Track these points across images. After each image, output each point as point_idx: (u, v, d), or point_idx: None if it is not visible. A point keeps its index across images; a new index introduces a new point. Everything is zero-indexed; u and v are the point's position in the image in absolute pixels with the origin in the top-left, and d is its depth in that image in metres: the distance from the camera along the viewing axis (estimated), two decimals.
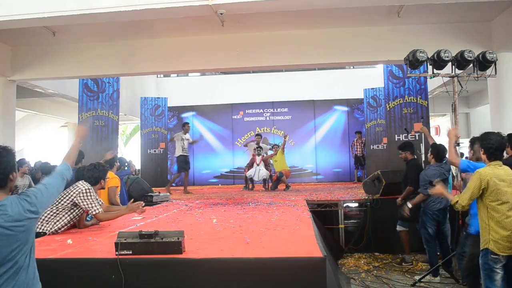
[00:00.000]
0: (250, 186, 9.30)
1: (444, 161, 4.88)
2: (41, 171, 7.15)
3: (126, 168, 6.65)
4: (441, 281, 4.76)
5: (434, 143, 5.12)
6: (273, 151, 9.14)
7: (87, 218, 4.08)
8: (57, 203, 3.63)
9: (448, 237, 4.95)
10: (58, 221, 3.62)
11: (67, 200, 3.62)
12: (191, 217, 4.67)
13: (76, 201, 3.62)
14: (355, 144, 11.12)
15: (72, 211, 3.68)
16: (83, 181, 3.75)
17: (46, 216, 3.59)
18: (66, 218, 3.66)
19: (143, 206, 3.90)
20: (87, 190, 3.66)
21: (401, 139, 8.10)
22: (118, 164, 5.73)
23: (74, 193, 3.62)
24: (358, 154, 11.01)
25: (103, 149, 5.13)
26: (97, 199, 3.73)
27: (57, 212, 3.63)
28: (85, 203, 3.62)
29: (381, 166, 8.70)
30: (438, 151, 4.86)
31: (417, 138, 7.82)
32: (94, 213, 3.66)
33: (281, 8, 5.57)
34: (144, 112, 11.44)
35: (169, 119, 12.06)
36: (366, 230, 6.18)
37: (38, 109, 12.56)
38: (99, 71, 8.13)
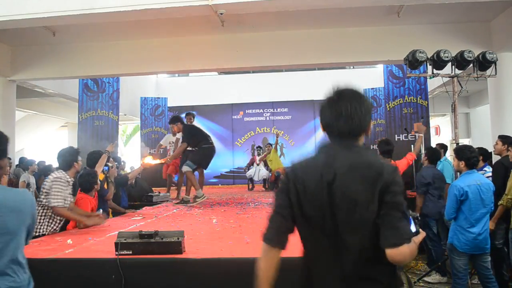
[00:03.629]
0: (250, 186, 9.30)
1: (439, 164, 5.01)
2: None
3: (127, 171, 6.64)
4: (441, 281, 4.77)
5: (430, 147, 5.28)
6: (267, 150, 9.16)
7: None
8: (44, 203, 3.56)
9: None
10: (52, 221, 3.62)
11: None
12: (191, 217, 4.67)
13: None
14: None
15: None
16: (59, 171, 3.62)
17: (39, 218, 3.52)
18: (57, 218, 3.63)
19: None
20: (56, 179, 3.50)
21: (401, 139, 8.11)
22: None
23: (46, 187, 3.52)
24: None
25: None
26: (63, 192, 3.53)
27: (47, 213, 3.61)
28: (51, 192, 3.46)
29: None
30: (433, 154, 5.17)
31: (417, 138, 7.82)
32: (52, 204, 3.46)
33: (281, 8, 5.57)
34: (144, 112, 11.43)
35: (169, 119, 12.05)
36: None
37: (38, 109, 12.56)
38: (99, 71, 8.13)
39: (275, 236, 1.55)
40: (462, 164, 3.58)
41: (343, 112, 1.48)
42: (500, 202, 4.05)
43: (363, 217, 1.38)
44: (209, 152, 6.10)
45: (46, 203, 3.52)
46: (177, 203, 5.99)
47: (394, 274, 1.47)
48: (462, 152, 3.59)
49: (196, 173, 6.24)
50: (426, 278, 4.83)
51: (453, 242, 3.60)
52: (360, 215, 1.38)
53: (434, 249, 4.92)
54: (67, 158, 3.70)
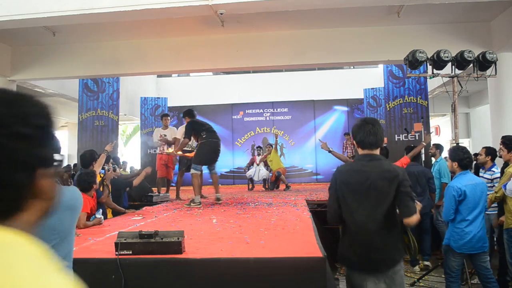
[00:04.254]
0: (250, 186, 9.30)
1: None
2: None
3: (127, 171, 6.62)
4: (441, 280, 4.77)
5: (409, 146, 5.78)
6: (267, 151, 9.17)
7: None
8: None
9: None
10: None
11: None
12: (191, 217, 4.67)
13: None
14: (346, 145, 10.67)
15: None
16: None
17: None
18: None
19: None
20: None
21: (401, 139, 8.11)
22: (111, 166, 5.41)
23: None
24: (350, 156, 10.45)
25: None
26: None
27: None
28: None
29: None
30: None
31: (417, 138, 7.82)
32: None
33: (281, 8, 5.57)
34: (144, 112, 11.43)
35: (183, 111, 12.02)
36: None
37: None
38: (99, 71, 8.13)
39: (334, 220, 2.52)
40: (455, 165, 3.63)
41: (371, 131, 2.41)
42: (489, 196, 4.12)
43: (385, 201, 2.33)
44: (206, 147, 5.86)
45: None
46: (187, 205, 5.76)
47: (400, 232, 2.48)
48: (455, 153, 3.65)
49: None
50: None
51: (450, 243, 3.62)
52: (383, 199, 2.33)
53: (425, 238, 5.33)
54: None
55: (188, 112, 6.29)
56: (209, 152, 5.93)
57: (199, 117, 12.12)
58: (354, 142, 2.50)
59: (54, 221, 1.70)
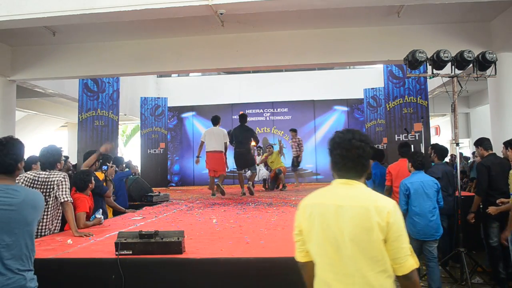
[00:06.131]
0: None
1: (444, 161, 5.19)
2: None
3: (126, 169, 6.65)
4: (442, 280, 4.77)
5: (436, 144, 5.56)
6: (268, 152, 9.15)
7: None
8: (48, 210, 3.52)
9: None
10: (57, 222, 3.64)
11: (53, 200, 3.53)
12: (191, 217, 4.67)
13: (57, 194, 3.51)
14: (292, 143, 9.64)
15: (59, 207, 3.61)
16: (58, 173, 3.61)
17: (44, 226, 3.50)
18: (59, 216, 3.65)
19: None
20: (65, 177, 3.58)
21: (401, 139, 8.11)
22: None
23: (54, 186, 3.51)
24: (294, 155, 9.53)
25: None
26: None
27: (55, 214, 3.61)
28: (61, 188, 3.51)
29: None
30: (440, 151, 5.32)
31: (417, 138, 7.83)
32: (65, 199, 3.48)
33: (281, 8, 5.57)
34: (144, 112, 11.44)
35: (169, 119, 12.06)
36: None
37: (38, 109, 12.57)
38: (99, 71, 8.12)
39: None
40: (410, 165, 4.31)
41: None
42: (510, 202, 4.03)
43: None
44: (234, 155, 7.87)
45: (62, 198, 3.50)
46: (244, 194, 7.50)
47: None
48: (411, 156, 4.41)
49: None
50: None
51: (407, 229, 3.98)
52: None
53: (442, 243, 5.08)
54: (50, 159, 3.63)
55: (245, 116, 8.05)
56: (235, 159, 7.95)
57: (199, 117, 12.27)
58: None
59: (16, 214, 1.99)
